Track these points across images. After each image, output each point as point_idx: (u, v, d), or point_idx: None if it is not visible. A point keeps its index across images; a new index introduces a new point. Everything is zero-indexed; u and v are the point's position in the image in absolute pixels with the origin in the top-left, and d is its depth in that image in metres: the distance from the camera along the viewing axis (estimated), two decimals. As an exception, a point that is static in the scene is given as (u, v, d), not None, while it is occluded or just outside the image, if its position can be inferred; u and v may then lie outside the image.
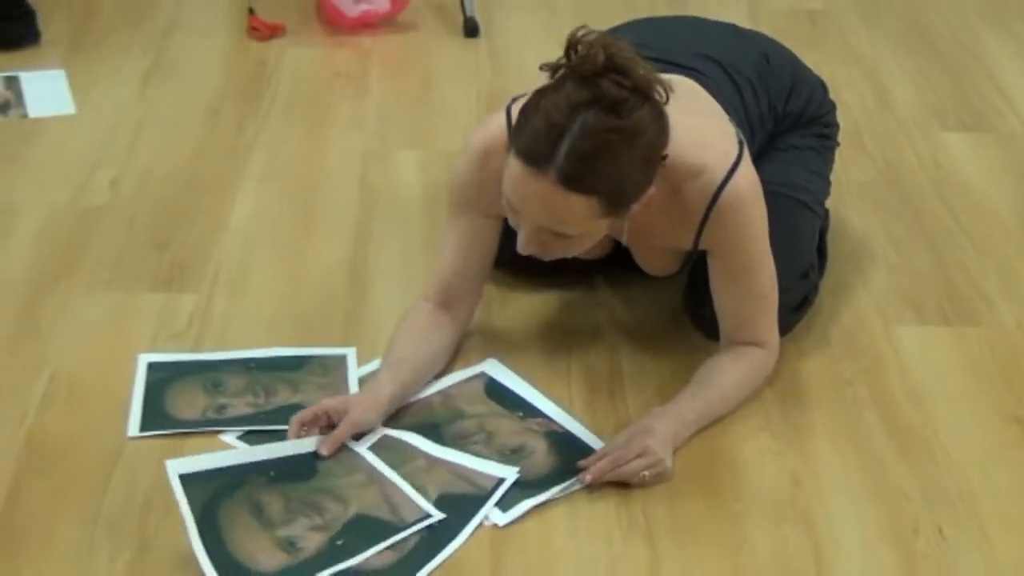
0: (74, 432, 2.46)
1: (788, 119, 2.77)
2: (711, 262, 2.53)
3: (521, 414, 2.52)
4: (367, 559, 2.22)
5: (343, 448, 2.42)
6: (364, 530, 2.28)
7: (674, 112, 2.31)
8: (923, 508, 2.34)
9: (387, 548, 2.25)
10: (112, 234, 3.04)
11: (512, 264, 2.80)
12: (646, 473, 2.34)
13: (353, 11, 3.95)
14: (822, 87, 2.88)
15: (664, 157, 2.28)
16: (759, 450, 2.46)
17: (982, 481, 2.40)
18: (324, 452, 2.40)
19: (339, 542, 2.25)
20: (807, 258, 2.74)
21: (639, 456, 2.34)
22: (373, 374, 2.58)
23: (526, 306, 2.83)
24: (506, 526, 2.26)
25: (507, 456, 2.41)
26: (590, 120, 2.15)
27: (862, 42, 3.92)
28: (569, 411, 2.51)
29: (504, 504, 2.31)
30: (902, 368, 2.66)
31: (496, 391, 2.58)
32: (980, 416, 2.55)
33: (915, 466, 2.43)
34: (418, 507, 2.34)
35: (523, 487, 2.35)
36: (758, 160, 2.68)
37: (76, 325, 2.74)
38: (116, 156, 3.34)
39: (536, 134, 2.18)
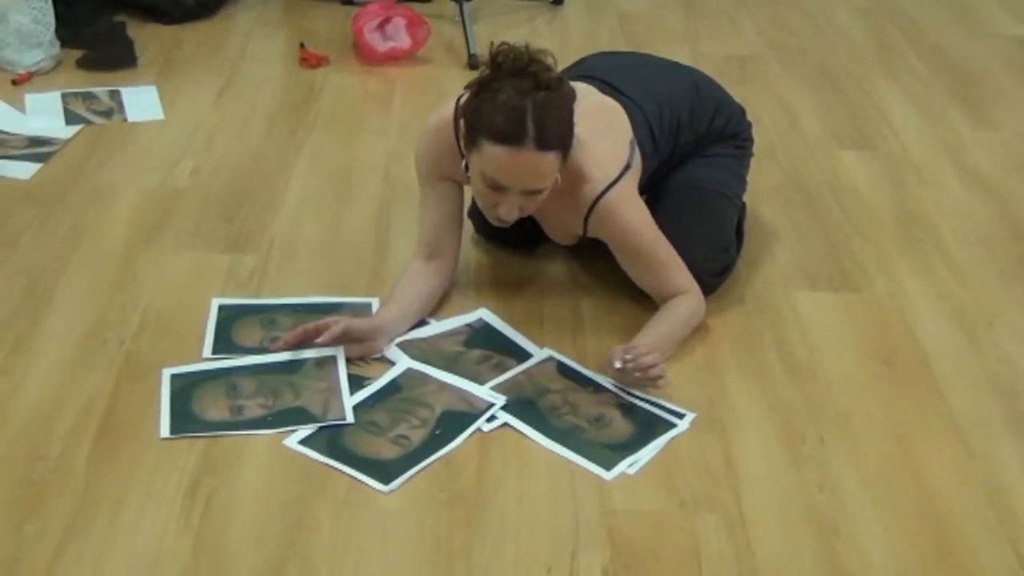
0: (161, 353, 2.53)
1: (713, 134, 2.82)
2: (611, 248, 2.61)
3: (592, 388, 2.47)
4: (379, 450, 2.29)
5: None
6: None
7: (586, 132, 2.45)
8: (808, 422, 2.42)
9: (394, 444, 2.30)
10: (191, 209, 3.07)
11: (492, 237, 2.93)
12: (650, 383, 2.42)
13: (382, 47, 3.97)
14: (741, 111, 2.93)
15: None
16: (685, 377, 2.52)
17: (854, 403, 2.47)
18: (319, 341, 2.46)
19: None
20: (727, 236, 2.80)
21: (655, 365, 2.40)
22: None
23: (506, 269, 2.88)
24: (611, 480, 2.25)
25: (592, 423, 2.38)
26: (538, 98, 2.28)
27: (780, 81, 3.96)
28: (640, 392, 2.46)
29: (608, 463, 2.27)
30: (798, 321, 2.72)
31: (567, 371, 2.52)
32: (855, 357, 2.61)
33: (804, 392, 2.50)
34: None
35: (617, 449, 2.31)
36: (689, 163, 2.79)
37: (163, 276, 2.79)
38: (195, 151, 3.36)
39: (505, 122, 2.28)
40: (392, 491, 2.21)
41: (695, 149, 2.82)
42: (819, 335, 2.69)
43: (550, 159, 2.33)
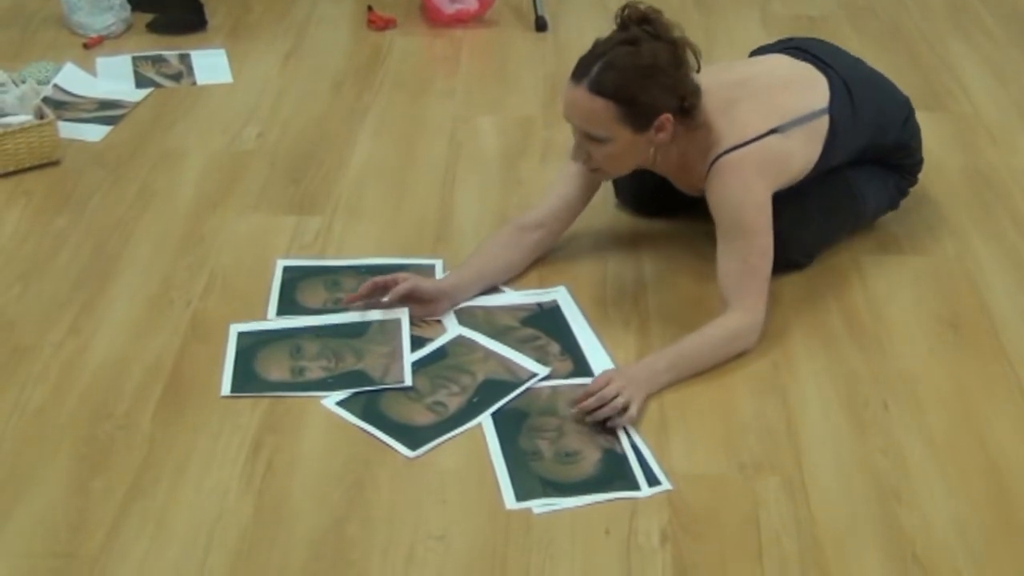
0: (226, 314, 2.55)
1: (901, 154, 2.78)
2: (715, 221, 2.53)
3: (600, 427, 2.27)
4: (413, 415, 2.28)
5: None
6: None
7: (742, 102, 2.49)
8: (872, 387, 2.38)
9: (429, 411, 2.29)
10: (258, 172, 3.09)
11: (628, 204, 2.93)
12: (618, 420, 2.24)
13: (449, 9, 3.96)
14: (922, 160, 2.87)
15: (683, 98, 2.38)
16: (748, 342, 2.50)
17: (920, 369, 2.44)
18: (384, 300, 2.50)
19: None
20: (830, 244, 2.74)
21: (617, 395, 2.24)
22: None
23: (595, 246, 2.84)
24: (539, 514, 2.09)
25: (558, 456, 2.20)
26: (620, 51, 2.33)
27: (851, 41, 3.88)
28: (643, 442, 2.25)
29: (522, 494, 2.12)
30: (863, 285, 2.68)
31: None
32: (921, 321, 2.57)
33: (868, 356, 2.47)
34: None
35: (549, 485, 2.14)
36: (871, 168, 2.75)
37: (229, 237, 2.82)
38: (262, 115, 3.38)
39: (584, 61, 2.36)
40: (418, 457, 2.20)
41: (882, 158, 2.77)
42: (885, 299, 2.65)
43: (599, 105, 2.34)
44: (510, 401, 2.33)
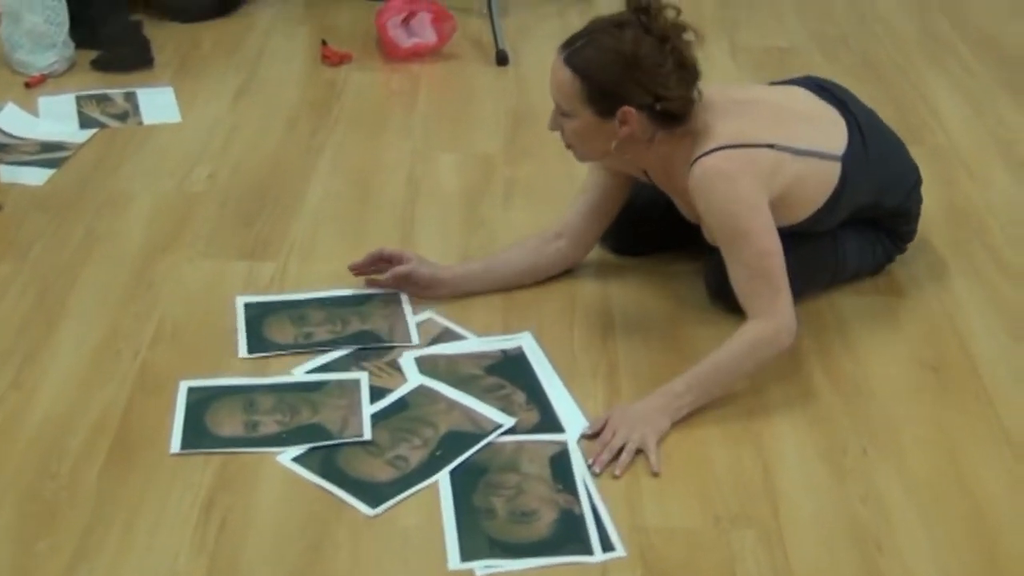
0: (176, 365, 2.52)
1: (899, 219, 2.77)
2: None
3: (561, 487, 2.23)
4: (373, 471, 2.25)
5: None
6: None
7: (742, 115, 2.47)
8: (851, 433, 2.38)
9: (390, 466, 2.26)
10: (208, 215, 3.07)
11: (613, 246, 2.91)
12: (650, 460, 2.27)
13: (406, 43, 3.95)
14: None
15: (658, 99, 2.35)
16: (721, 388, 2.49)
17: (900, 413, 2.43)
18: (382, 278, 2.71)
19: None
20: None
21: (627, 442, 2.28)
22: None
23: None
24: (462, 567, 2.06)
25: (514, 515, 2.16)
26: (606, 32, 2.38)
27: (822, 72, 3.88)
28: (602, 501, 2.20)
29: (467, 554, 2.07)
30: (840, 327, 2.67)
31: (559, 464, 2.28)
32: (901, 364, 2.57)
33: (846, 401, 2.46)
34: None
35: (495, 546, 2.10)
36: (869, 229, 2.74)
37: (179, 284, 2.78)
38: (212, 154, 3.36)
39: (575, 34, 2.43)
40: (378, 515, 2.17)
41: (877, 219, 2.75)
42: (863, 341, 2.65)
43: (567, 78, 2.39)
44: (474, 454, 2.30)
